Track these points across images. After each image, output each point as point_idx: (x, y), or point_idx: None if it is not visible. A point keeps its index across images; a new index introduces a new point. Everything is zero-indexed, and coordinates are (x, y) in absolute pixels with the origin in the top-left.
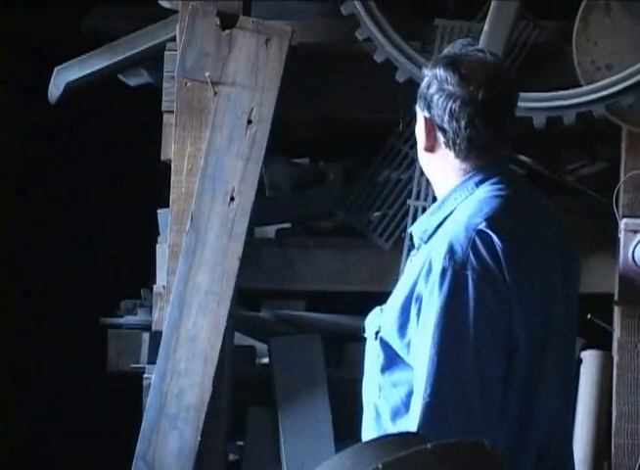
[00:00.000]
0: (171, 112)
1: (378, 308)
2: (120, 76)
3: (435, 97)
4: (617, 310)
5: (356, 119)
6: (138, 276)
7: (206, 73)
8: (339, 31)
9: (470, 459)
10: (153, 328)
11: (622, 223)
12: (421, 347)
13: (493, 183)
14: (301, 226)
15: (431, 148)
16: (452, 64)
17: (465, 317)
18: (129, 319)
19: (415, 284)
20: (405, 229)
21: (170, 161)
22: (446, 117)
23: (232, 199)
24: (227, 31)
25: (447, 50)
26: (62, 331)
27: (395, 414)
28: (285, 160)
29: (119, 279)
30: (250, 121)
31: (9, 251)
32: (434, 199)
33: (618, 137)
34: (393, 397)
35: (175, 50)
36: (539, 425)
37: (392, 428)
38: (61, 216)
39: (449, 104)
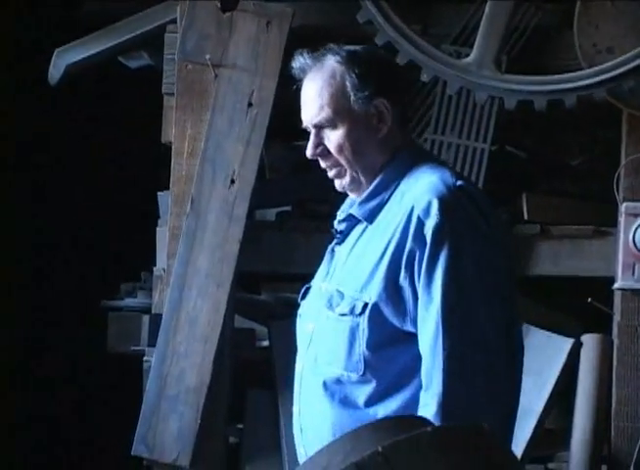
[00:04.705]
0: (172, 94)
1: (323, 290)
2: (121, 59)
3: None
4: (617, 294)
5: None
6: (138, 259)
7: (207, 56)
8: (339, 14)
9: (470, 443)
10: (153, 311)
11: (623, 207)
12: (430, 305)
13: (424, 154)
14: (302, 209)
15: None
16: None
17: (473, 266)
18: (129, 302)
19: (396, 250)
20: None
21: (171, 143)
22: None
23: (232, 182)
24: (228, 14)
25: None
26: (62, 313)
27: (393, 388)
28: (285, 143)
29: (119, 261)
30: (250, 104)
31: (9, 233)
32: None
33: (619, 121)
34: (391, 370)
35: (176, 32)
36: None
37: (386, 404)
38: (60, 199)
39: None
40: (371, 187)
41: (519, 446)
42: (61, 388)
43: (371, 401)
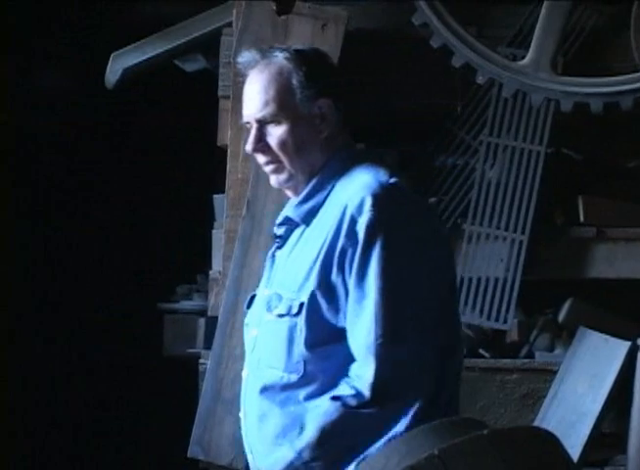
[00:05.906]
0: (227, 97)
1: (265, 295)
2: (177, 62)
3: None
4: None
5: (412, 105)
6: (194, 261)
7: None
8: (395, 16)
9: (527, 444)
10: (209, 313)
11: None
12: (364, 299)
13: (361, 156)
14: None
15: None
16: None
17: (405, 260)
18: (185, 304)
19: (329, 249)
20: (462, 215)
21: (226, 146)
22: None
23: None
24: (283, 17)
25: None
26: (119, 315)
27: (331, 385)
28: None
29: (175, 264)
30: None
31: (67, 233)
32: None
33: None
34: (329, 368)
35: (231, 35)
36: None
37: (324, 398)
38: (118, 201)
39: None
40: (307, 188)
41: (575, 450)
42: (117, 390)
43: (310, 396)
